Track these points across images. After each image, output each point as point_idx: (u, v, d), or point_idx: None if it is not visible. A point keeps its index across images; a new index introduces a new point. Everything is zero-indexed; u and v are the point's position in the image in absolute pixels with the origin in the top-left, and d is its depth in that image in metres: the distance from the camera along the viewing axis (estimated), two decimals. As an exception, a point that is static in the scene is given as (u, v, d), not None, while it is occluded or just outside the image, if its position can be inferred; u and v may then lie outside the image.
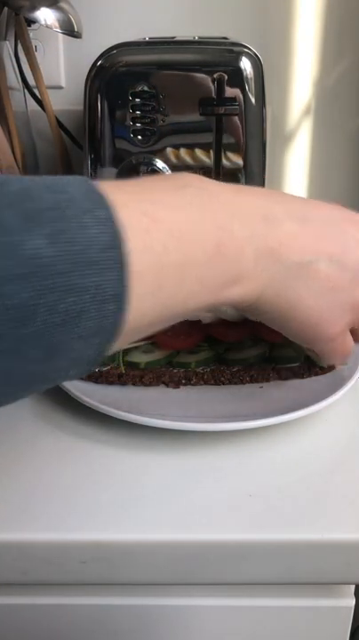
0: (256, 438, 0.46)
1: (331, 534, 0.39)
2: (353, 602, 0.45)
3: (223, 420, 0.46)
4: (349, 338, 0.43)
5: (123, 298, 0.29)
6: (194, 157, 0.81)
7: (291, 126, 1.20)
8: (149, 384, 0.51)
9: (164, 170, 0.80)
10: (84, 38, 0.93)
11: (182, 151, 0.80)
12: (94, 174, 0.83)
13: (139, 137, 0.80)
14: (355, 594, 0.45)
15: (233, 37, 0.82)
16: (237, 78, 0.77)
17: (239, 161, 0.81)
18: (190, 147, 0.80)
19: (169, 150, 0.80)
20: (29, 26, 1.00)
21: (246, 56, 0.77)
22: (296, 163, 1.23)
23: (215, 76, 0.77)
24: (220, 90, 0.77)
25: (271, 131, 1.17)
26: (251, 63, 0.77)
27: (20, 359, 0.27)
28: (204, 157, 0.81)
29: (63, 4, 0.89)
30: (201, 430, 0.45)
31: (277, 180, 1.24)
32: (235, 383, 0.51)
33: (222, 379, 0.51)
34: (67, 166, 1.04)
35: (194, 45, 0.81)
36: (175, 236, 0.32)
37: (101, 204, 0.29)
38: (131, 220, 0.30)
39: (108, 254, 0.28)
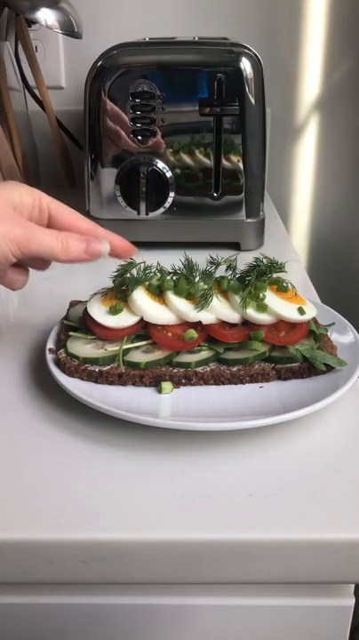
0: (256, 438, 0.46)
1: (330, 534, 0.39)
2: (352, 601, 0.45)
3: (223, 420, 0.46)
4: None
5: None
6: (194, 157, 0.81)
7: (297, 125, 1.21)
8: (149, 384, 0.51)
9: (164, 170, 0.80)
10: (84, 38, 0.94)
11: (182, 151, 0.81)
12: (94, 174, 0.83)
13: (139, 137, 0.80)
14: (355, 593, 0.45)
15: (233, 38, 0.82)
16: (237, 78, 0.77)
17: (239, 161, 0.81)
18: (190, 147, 0.80)
19: (169, 150, 0.80)
20: (30, 26, 1.00)
21: (246, 56, 0.77)
22: (301, 160, 1.23)
23: (215, 76, 0.77)
24: (220, 90, 0.78)
25: (276, 129, 1.17)
26: (251, 63, 0.77)
27: None
28: (204, 157, 0.81)
29: (63, 5, 0.89)
30: (201, 430, 0.45)
31: (282, 177, 1.24)
32: (235, 383, 0.51)
33: (222, 379, 0.51)
34: (68, 166, 1.04)
35: (194, 46, 0.81)
36: None
37: None
38: None
39: None
